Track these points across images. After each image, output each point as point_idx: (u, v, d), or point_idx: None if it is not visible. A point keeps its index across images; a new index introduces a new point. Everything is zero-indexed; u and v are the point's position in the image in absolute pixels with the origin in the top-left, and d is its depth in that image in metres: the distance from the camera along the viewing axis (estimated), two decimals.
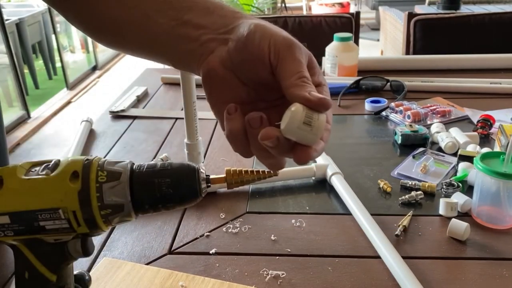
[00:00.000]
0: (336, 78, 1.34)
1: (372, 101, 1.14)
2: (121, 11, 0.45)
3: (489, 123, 0.97)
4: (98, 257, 0.66)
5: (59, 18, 4.01)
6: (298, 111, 0.35)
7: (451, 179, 0.79)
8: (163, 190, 0.39)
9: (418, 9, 3.57)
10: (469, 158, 0.81)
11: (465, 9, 3.39)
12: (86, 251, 0.42)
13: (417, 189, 0.77)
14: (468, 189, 0.78)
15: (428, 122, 1.05)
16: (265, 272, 0.61)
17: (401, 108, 1.08)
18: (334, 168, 0.81)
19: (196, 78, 1.35)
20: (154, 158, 0.93)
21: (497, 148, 0.85)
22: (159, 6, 0.44)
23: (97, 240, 0.68)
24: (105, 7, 0.46)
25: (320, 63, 1.45)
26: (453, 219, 0.67)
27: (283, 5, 5.42)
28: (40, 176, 0.39)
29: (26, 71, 3.93)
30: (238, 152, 0.40)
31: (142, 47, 0.48)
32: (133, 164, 0.41)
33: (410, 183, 0.79)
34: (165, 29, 0.43)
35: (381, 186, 0.79)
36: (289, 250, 0.66)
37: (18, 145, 2.95)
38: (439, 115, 1.07)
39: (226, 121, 0.40)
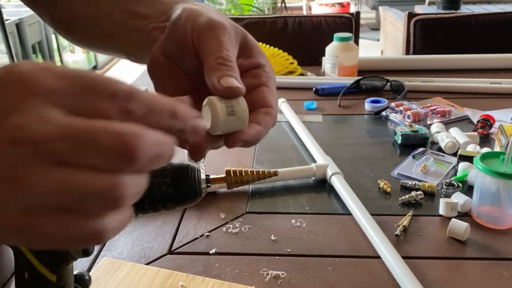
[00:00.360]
0: (336, 78, 1.34)
1: (372, 101, 1.14)
2: (79, 7, 0.46)
3: (489, 123, 0.97)
4: (98, 257, 0.66)
5: None
6: (216, 105, 0.33)
7: (451, 179, 0.79)
8: (163, 190, 0.39)
9: (418, 9, 3.57)
10: (469, 158, 0.81)
11: (465, 9, 3.39)
12: (86, 251, 0.42)
13: (417, 189, 0.77)
14: (468, 189, 0.78)
15: (428, 122, 1.05)
16: (265, 272, 0.61)
17: (401, 108, 1.08)
18: (334, 168, 0.81)
19: None
20: None
21: (497, 148, 0.85)
22: (113, 0, 0.44)
23: None
24: (67, 4, 0.47)
25: (320, 63, 1.45)
26: (453, 219, 0.67)
27: (283, 5, 5.42)
28: None
29: None
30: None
31: (100, 42, 0.48)
32: None
33: (410, 183, 0.79)
34: (119, 23, 0.43)
35: (381, 186, 0.79)
36: (289, 250, 0.66)
37: None
38: (439, 115, 1.07)
39: None
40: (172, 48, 0.38)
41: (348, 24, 1.69)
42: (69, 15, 0.49)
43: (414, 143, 0.93)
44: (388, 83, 1.23)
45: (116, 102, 0.24)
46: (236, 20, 1.72)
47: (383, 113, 1.10)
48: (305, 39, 1.68)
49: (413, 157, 0.89)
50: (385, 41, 3.52)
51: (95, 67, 4.57)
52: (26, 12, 3.77)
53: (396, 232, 0.67)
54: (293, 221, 0.72)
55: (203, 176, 0.41)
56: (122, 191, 0.24)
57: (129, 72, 4.10)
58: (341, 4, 5.81)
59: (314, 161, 0.87)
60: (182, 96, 0.29)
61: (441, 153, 0.90)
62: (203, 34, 0.36)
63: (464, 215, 0.72)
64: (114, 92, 0.24)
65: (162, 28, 0.40)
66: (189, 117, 0.28)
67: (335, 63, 1.34)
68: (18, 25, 3.59)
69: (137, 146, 0.23)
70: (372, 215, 0.69)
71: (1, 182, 0.22)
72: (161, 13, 0.41)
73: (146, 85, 1.46)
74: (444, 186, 0.78)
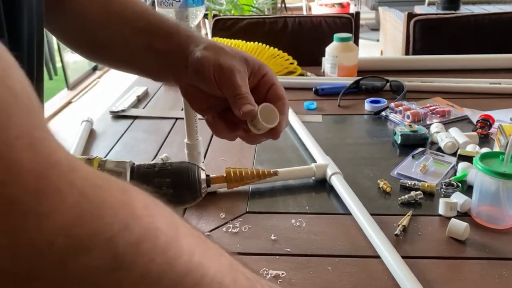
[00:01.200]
0: (336, 78, 1.34)
1: (372, 101, 1.14)
2: (106, 33, 0.57)
3: (488, 123, 0.97)
4: None
5: None
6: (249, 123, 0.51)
7: (450, 179, 0.79)
8: (163, 190, 0.39)
9: (418, 9, 3.57)
10: (468, 158, 0.81)
11: (465, 9, 3.39)
12: None
13: (416, 189, 0.77)
14: (467, 189, 0.78)
15: (428, 122, 1.05)
16: (265, 272, 0.61)
17: (400, 108, 1.08)
18: (334, 168, 0.82)
19: None
20: (154, 158, 0.93)
21: (496, 148, 0.85)
22: (135, 32, 0.55)
23: None
24: (93, 28, 0.58)
25: (320, 63, 1.45)
26: (453, 219, 0.67)
27: (283, 5, 5.42)
28: None
29: None
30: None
31: (125, 64, 0.60)
32: (134, 164, 0.41)
33: (409, 183, 0.79)
34: (140, 52, 0.55)
35: (380, 186, 0.79)
36: (289, 250, 0.66)
37: None
38: (438, 115, 1.07)
39: (209, 126, 0.54)
40: (197, 81, 0.52)
41: (348, 24, 1.69)
42: (97, 40, 0.59)
43: (414, 143, 0.93)
44: (388, 83, 1.23)
45: None
46: (236, 20, 1.72)
47: (383, 113, 1.10)
48: (305, 39, 1.68)
49: (413, 157, 0.89)
50: (384, 41, 3.52)
51: (95, 67, 4.57)
52: None
53: (396, 232, 0.67)
54: (293, 221, 0.72)
55: (203, 176, 0.41)
56: None
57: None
58: (341, 5, 5.80)
59: (314, 161, 0.87)
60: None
61: (441, 153, 0.90)
62: (222, 80, 0.50)
63: (464, 215, 0.72)
64: None
65: (181, 63, 0.52)
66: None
67: (335, 63, 1.34)
68: None
69: None
70: (371, 215, 0.70)
71: None
72: (180, 51, 0.53)
73: (146, 85, 1.46)
74: (443, 186, 0.78)
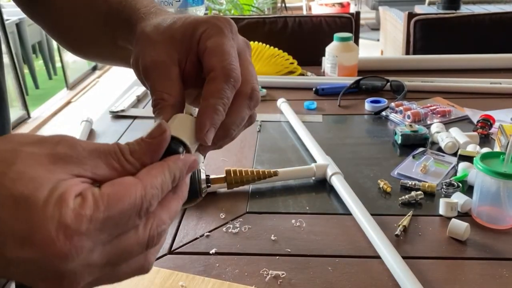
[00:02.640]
0: (336, 78, 1.34)
1: (372, 101, 1.14)
2: (75, 23, 0.53)
3: (489, 123, 0.97)
4: None
5: None
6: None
7: (451, 179, 0.79)
8: None
9: (418, 9, 3.57)
10: (469, 158, 0.81)
11: (465, 9, 3.39)
12: None
13: (417, 189, 0.77)
14: (468, 189, 0.78)
15: (428, 122, 1.05)
16: (265, 272, 0.61)
17: (401, 108, 1.08)
18: (334, 168, 0.81)
19: None
20: None
21: (497, 148, 0.85)
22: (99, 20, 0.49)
23: None
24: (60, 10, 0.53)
25: (320, 63, 1.45)
26: (453, 219, 0.67)
27: (283, 5, 5.42)
28: None
29: (26, 71, 3.93)
30: None
31: (100, 58, 0.56)
32: None
33: (410, 183, 0.79)
34: (109, 44, 0.49)
35: (381, 186, 0.79)
36: (289, 250, 0.66)
37: None
38: (439, 115, 1.07)
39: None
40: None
41: (348, 24, 1.69)
42: (65, 23, 0.54)
43: (414, 143, 0.93)
44: (388, 83, 1.23)
45: (140, 215, 0.29)
46: (236, 20, 1.72)
47: (383, 113, 1.10)
48: (305, 39, 1.68)
49: (413, 157, 0.89)
50: (385, 41, 3.52)
51: (95, 67, 4.57)
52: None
53: (396, 232, 0.67)
54: (293, 221, 0.72)
55: (203, 176, 0.41)
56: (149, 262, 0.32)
57: (129, 72, 4.10)
58: (341, 4, 5.81)
59: (314, 161, 0.87)
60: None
61: (441, 153, 0.90)
62: (145, 80, 0.40)
63: (464, 215, 0.72)
64: (137, 210, 0.28)
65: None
66: (186, 170, 0.33)
67: (335, 63, 1.34)
68: (18, 25, 3.59)
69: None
70: (372, 215, 0.69)
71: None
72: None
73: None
74: (444, 186, 0.78)
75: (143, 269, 0.31)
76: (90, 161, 0.29)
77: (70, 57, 4.13)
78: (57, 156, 0.28)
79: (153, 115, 0.38)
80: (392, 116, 1.08)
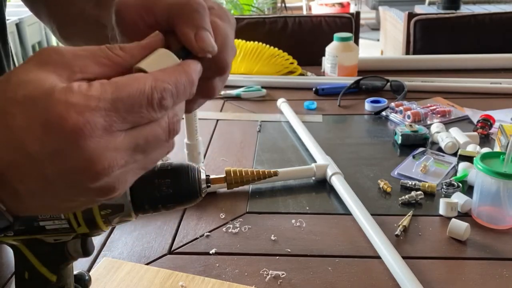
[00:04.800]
0: (336, 78, 1.34)
1: (372, 101, 1.14)
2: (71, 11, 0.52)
3: (489, 123, 0.97)
4: (98, 257, 0.66)
5: None
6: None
7: (451, 179, 0.79)
8: (163, 190, 0.39)
9: (418, 9, 3.57)
10: (469, 158, 0.81)
11: (465, 9, 3.39)
12: (86, 251, 0.42)
13: (417, 189, 0.77)
14: (468, 189, 0.78)
15: (428, 122, 1.05)
16: (265, 272, 0.61)
17: (401, 108, 1.08)
18: (334, 168, 0.81)
19: None
20: None
21: (497, 148, 0.85)
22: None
23: (97, 240, 0.68)
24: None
25: (320, 63, 1.45)
26: (453, 219, 0.67)
27: (283, 5, 5.42)
28: None
29: None
30: None
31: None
32: None
33: (410, 183, 0.79)
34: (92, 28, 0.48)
35: (381, 186, 0.79)
36: (289, 250, 0.66)
37: None
38: (439, 115, 1.07)
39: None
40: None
41: (348, 24, 1.69)
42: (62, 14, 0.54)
43: (414, 143, 0.93)
44: (388, 83, 1.23)
45: (153, 106, 0.28)
46: (236, 20, 1.72)
47: (383, 113, 1.10)
48: (305, 39, 1.68)
49: (413, 157, 0.89)
50: (385, 41, 3.52)
51: None
52: (26, 12, 3.76)
53: (396, 232, 0.67)
54: (293, 221, 0.72)
55: (203, 176, 0.41)
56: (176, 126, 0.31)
57: None
58: (341, 4, 5.80)
59: (314, 161, 0.87)
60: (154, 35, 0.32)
61: (441, 153, 0.90)
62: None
63: (464, 215, 0.72)
64: (148, 99, 0.28)
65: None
66: (197, 74, 0.31)
67: (335, 63, 1.34)
68: (18, 25, 3.59)
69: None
70: (372, 215, 0.69)
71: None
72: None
73: None
74: (444, 186, 0.78)
75: (169, 152, 0.33)
76: (78, 61, 0.28)
77: None
78: (43, 62, 0.28)
79: None
80: (392, 116, 1.08)
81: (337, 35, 1.34)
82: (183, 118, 0.81)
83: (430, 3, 3.83)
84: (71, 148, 0.26)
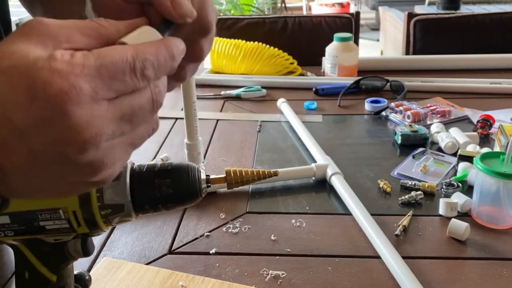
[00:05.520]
0: (336, 78, 1.34)
1: (372, 101, 1.14)
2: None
3: (489, 123, 0.97)
4: (98, 257, 0.66)
5: None
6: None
7: (451, 179, 0.79)
8: (163, 190, 0.39)
9: (418, 9, 3.57)
10: (469, 158, 0.81)
11: (465, 9, 3.39)
12: (86, 251, 0.42)
13: (417, 189, 0.77)
14: (468, 189, 0.78)
15: (428, 122, 1.05)
16: (265, 272, 0.61)
17: (401, 108, 1.08)
18: (334, 168, 0.81)
19: (196, 78, 1.34)
20: (154, 158, 0.93)
21: (497, 148, 0.85)
22: None
23: (97, 240, 0.68)
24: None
25: (320, 63, 1.45)
26: (453, 219, 0.67)
27: (283, 5, 5.42)
28: None
29: None
30: None
31: None
32: (133, 164, 0.41)
33: (410, 183, 0.79)
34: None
35: (381, 186, 0.79)
36: (289, 250, 0.66)
37: None
38: (439, 115, 1.07)
39: None
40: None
41: (348, 24, 1.69)
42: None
43: (414, 143, 0.93)
44: (388, 83, 1.23)
45: (136, 74, 0.28)
46: (236, 20, 1.72)
47: (383, 113, 1.10)
48: (305, 39, 1.68)
49: (413, 157, 0.89)
50: (385, 41, 3.52)
51: None
52: (26, 12, 3.76)
53: (396, 232, 0.67)
54: (293, 221, 0.72)
55: (203, 176, 0.41)
56: (160, 96, 0.31)
57: None
58: (341, 4, 5.80)
59: (314, 161, 0.87)
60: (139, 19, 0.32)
61: (441, 153, 0.90)
62: None
63: (464, 215, 0.72)
64: (131, 67, 0.28)
65: None
66: (180, 51, 0.32)
67: (335, 63, 1.34)
68: (18, 25, 3.59)
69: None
70: (372, 215, 0.69)
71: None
72: None
73: None
74: (444, 186, 0.78)
75: (154, 130, 0.34)
76: (63, 31, 0.28)
77: None
78: (28, 33, 0.27)
79: None
80: (392, 116, 1.08)
81: (337, 35, 1.34)
82: (182, 118, 0.81)
83: (430, 3, 3.83)
84: (57, 115, 0.25)
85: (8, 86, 0.25)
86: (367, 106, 1.14)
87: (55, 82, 0.25)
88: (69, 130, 0.26)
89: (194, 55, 0.36)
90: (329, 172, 0.81)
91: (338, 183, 0.78)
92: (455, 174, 0.82)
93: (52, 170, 0.27)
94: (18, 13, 3.71)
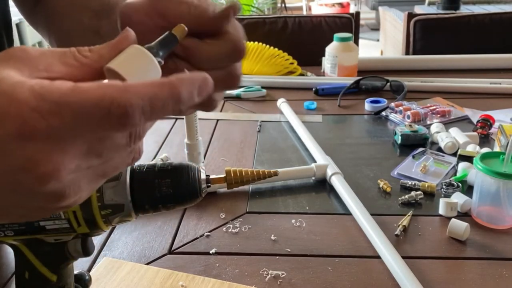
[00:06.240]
0: (336, 78, 1.34)
1: (372, 101, 1.14)
2: (69, 25, 0.52)
3: (489, 123, 0.97)
4: (98, 257, 0.66)
5: None
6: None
7: (451, 179, 0.79)
8: (163, 190, 0.39)
9: (418, 9, 3.57)
10: (469, 158, 0.81)
11: (465, 9, 3.38)
12: (86, 251, 0.42)
13: (417, 189, 0.77)
14: (468, 189, 0.78)
15: (428, 122, 1.05)
16: (265, 272, 0.61)
17: (401, 108, 1.08)
18: (334, 168, 0.81)
19: None
20: (154, 158, 0.93)
21: (496, 148, 0.85)
22: (92, 16, 0.49)
23: (97, 240, 0.68)
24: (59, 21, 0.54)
25: (320, 63, 1.45)
26: (453, 219, 0.67)
27: (283, 5, 5.42)
28: None
29: None
30: None
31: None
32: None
33: (410, 183, 0.79)
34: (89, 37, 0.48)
35: (381, 186, 0.79)
36: (289, 250, 0.66)
37: None
38: (439, 115, 1.07)
39: None
40: None
41: (348, 24, 1.69)
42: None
43: (414, 143, 0.93)
44: (388, 83, 1.23)
45: (111, 122, 0.25)
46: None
47: (383, 113, 1.10)
48: (305, 39, 1.68)
49: (413, 157, 0.89)
50: (385, 41, 3.52)
51: None
52: None
53: (396, 232, 0.67)
54: (293, 221, 0.72)
55: (203, 176, 0.41)
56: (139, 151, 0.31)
57: None
58: (341, 4, 5.80)
59: (314, 161, 0.87)
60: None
61: (441, 153, 0.90)
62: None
63: (464, 215, 0.72)
64: (104, 113, 0.24)
65: None
66: (197, 85, 0.28)
67: (335, 63, 1.34)
68: (18, 25, 3.59)
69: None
70: (372, 215, 0.70)
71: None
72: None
73: None
74: (444, 186, 0.78)
75: (135, 159, 0.30)
76: (43, 60, 0.27)
77: None
78: (6, 58, 0.26)
79: None
80: (392, 116, 1.08)
81: (337, 35, 1.34)
82: (182, 118, 0.81)
83: (430, 3, 3.83)
84: (13, 145, 0.24)
85: None
86: (367, 106, 1.14)
87: (10, 113, 0.24)
88: (25, 161, 0.24)
89: (227, 82, 0.33)
90: (329, 172, 0.81)
91: (338, 183, 0.78)
92: (455, 174, 0.82)
93: (12, 197, 0.26)
94: (18, 13, 3.71)
